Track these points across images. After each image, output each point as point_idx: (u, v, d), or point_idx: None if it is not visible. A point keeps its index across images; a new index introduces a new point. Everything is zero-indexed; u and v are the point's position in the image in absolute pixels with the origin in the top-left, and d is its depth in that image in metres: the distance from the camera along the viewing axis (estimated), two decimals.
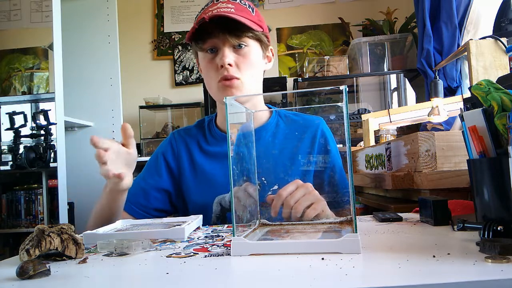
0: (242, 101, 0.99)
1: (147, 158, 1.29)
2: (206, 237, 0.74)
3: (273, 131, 1.10)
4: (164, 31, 3.69)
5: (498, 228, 0.54)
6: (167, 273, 0.48)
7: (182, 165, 1.11)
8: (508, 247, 0.47)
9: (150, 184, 1.10)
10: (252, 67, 1.02)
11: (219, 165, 1.07)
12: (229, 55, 0.98)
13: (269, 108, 1.16)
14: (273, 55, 1.13)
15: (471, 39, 1.63)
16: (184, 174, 1.10)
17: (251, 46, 1.02)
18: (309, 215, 0.79)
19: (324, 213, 0.82)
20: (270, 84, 3.14)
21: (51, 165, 2.38)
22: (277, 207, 0.79)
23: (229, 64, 0.98)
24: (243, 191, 0.73)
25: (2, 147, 2.72)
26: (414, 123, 2.20)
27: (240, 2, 1.01)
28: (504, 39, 1.58)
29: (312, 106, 3.30)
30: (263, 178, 0.95)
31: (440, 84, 1.98)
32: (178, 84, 3.64)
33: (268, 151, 1.06)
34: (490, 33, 1.67)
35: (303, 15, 3.55)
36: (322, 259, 0.50)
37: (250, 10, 1.02)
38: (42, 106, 2.66)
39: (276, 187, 0.87)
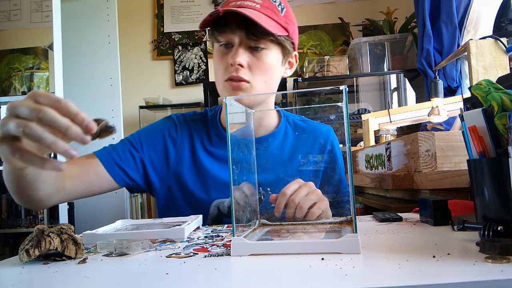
0: (250, 105, 0.91)
1: None
2: (206, 237, 0.74)
3: (282, 138, 1.06)
4: (164, 31, 3.69)
5: (498, 228, 0.54)
6: (167, 273, 0.48)
7: (183, 156, 1.02)
8: (508, 247, 0.47)
9: (142, 153, 1.00)
10: (266, 72, 0.93)
11: (223, 168, 1.01)
12: (242, 55, 0.91)
13: (276, 109, 1.10)
14: (296, 61, 1.04)
15: (471, 39, 1.63)
16: (182, 166, 1.02)
17: (270, 49, 0.93)
18: (313, 215, 0.78)
19: (325, 213, 0.82)
20: None
21: None
22: (281, 207, 0.78)
23: (240, 65, 0.91)
24: (241, 191, 0.72)
25: None
26: (414, 123, 2.20)
27: None
28: (504, 39, 1.58)
29: (312, 106, 3.30)
30: (268, 189, 0.92)
31: (440, 84, 1.98)
32: (178, 84, 3.64)
33: (277, 159, 1.01)
34: (490, 33, 1.67)
35: (303, 15, 3.55)
36: (322, 259, 0.50)
37: (279, 9, 0.93)
38: None
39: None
